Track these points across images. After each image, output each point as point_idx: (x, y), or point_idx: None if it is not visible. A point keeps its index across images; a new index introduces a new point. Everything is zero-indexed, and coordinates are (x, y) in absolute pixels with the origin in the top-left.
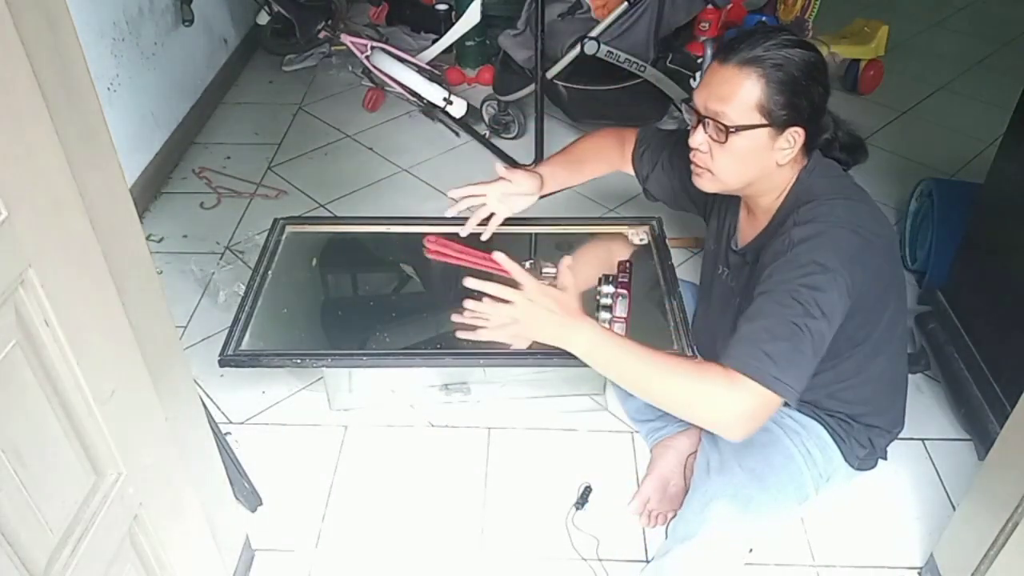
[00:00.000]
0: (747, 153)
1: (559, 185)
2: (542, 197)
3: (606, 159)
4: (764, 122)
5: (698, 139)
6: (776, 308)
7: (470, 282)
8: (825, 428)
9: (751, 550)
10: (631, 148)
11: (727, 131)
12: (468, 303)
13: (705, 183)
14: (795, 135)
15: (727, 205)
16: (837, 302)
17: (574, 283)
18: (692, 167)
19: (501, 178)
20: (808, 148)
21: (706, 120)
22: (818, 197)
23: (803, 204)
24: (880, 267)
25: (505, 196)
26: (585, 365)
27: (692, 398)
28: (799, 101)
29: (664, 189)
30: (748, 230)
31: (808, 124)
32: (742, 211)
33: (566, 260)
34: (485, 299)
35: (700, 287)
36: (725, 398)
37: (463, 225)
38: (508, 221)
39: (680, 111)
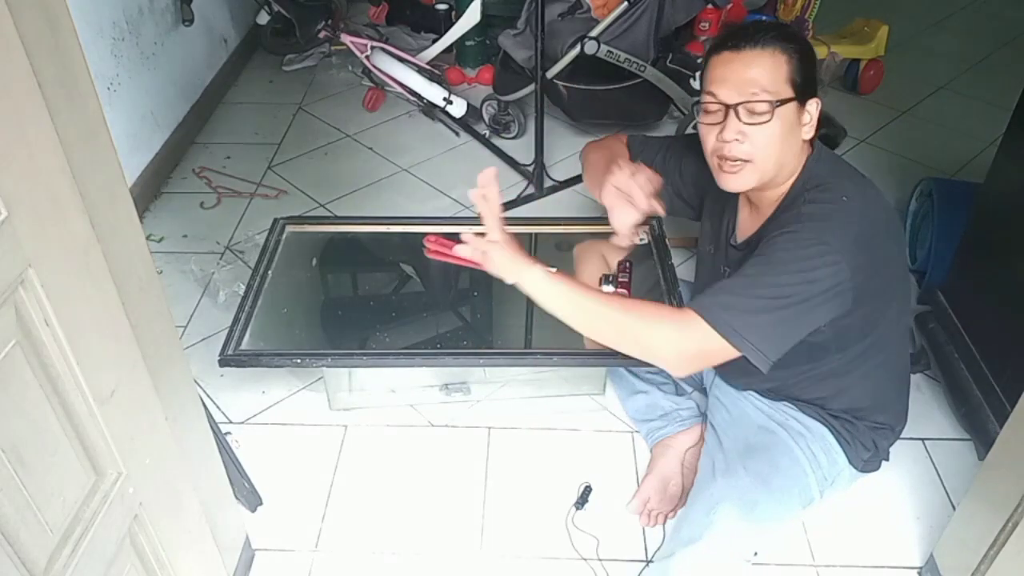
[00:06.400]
0: (783, 132)
1: None
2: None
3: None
4: (794, 95)
5: (731, 131)
6: (762, 273)
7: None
8: (830, 431)
9: (756, 553)
10: (624, 158)
11: (772, 106)
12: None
13: (741, 178)
14: (813, 107)
15: (723, 205)
16: (830, 287)
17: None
18: (722, 166)
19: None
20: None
21: (737, 108)
22: (826, 180)
23: (812, 188)
24: (888, 252)
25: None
26: (583, 365)
27: (641, 326)
28: (814, 73)
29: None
30: (749, 224)
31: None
32: (742, 208)
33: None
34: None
35: (696, 291)
36: (674, 331)
37: (461, 223)
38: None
39: (681, 111)
